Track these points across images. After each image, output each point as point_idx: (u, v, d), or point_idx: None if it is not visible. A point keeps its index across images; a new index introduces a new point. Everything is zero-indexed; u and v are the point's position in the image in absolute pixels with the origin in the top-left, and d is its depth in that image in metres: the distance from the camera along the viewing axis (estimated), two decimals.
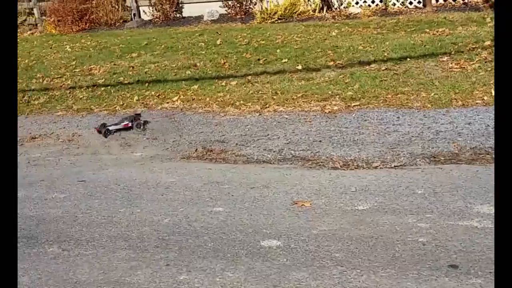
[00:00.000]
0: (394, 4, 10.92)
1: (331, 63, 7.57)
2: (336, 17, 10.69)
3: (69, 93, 7.97)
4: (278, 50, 8.48)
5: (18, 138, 6.58)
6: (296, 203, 4.07)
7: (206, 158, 5.30)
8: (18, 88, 8.56)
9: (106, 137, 6.10)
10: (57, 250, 3.67)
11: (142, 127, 6.20)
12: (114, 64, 9.09)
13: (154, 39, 10.34)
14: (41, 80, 8.80)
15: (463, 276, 2.94)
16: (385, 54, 7.59)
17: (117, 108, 7.07)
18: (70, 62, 9.60)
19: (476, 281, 2.87)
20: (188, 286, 3.11)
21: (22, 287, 3.23)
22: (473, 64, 6.77)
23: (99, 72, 8.80)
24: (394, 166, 4.64)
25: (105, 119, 6.56)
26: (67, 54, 10.31)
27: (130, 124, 6.21)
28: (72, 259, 3.53)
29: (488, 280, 2.87)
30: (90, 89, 7.96)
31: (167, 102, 6.98)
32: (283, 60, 7.98)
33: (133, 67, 8.71)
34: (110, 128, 6.18)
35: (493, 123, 5.13)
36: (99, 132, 6.15)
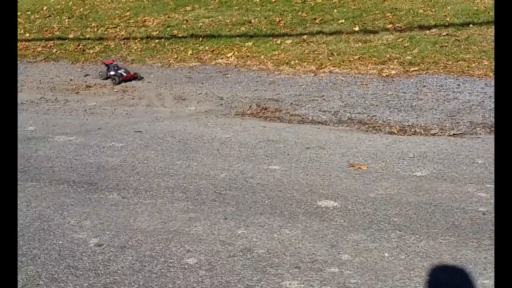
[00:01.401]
0: None
1: (390, 25, 7.42)
2: None
3: (123, 43, 8.03)
4: (335, 10, 8.35)
5: (74, 86, 6.69)
6: (353, 166, 4.05)
7: (261, 116, 5.30)
8: (73, 36, 8.67)
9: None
10: (117, 197, 3.74)
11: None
12: (168, 17, 9.09)
13: None
14: (95, 30, 8.88)
15: None
16: (447, 19, 7.40)
17: (171, 61, 7.11)
18: (124, 13, 9.64)
19: None
20: (247, 240, 3.14)
21: (84, 230, 3.32)
22: None
23: (153, 24, 8.83)
24: (453, 134, 4.56)
25: (159, 71, 6.62)
26: (121, 4, 10.35)
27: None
28: (132, 207, 3.60)
29: None
30: (144, 40, 8.01)
31: (221, 58, 6.98)
32: (340, 21, 7.86)
33: (187, 21, 8.70)
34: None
35: None
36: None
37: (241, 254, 3.02)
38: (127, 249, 3.11)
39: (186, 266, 2.91)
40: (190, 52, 7.31)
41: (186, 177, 4.02)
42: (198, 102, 5.77)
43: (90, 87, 6.61)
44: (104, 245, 3.16)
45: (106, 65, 6.75)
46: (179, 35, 8.05)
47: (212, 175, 4.04)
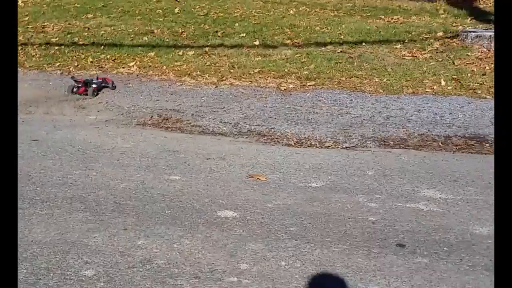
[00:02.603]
0: None
1: (288, 41, 7.67)
2: None
3: (21, 49, 7.79)
4: (236, 24, 8.51)
5: None
6: (252, 177, 4.17)
7: (162, 126, 5.33)
8: None
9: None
10: None
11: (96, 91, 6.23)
12: (69, 24, 8.91)
13: (111, 2, 10.17)
14: None
15: (410, 255, 3.11)
16: (341, 37, 7.74)
17: (71, 69, 6.98)
18: (22, 18, 9.34)
19: (422, 261, 3.05)
20: (147, 251, 3.17)
21: None
22: (425, 53, 7.00)
23: (52, 30, 8.62)
24: (346, 147, 4.80)
25: (58, 79, 6.48)
26: (19, 9, 10.00)
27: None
28: (27, 218, 3.52)
29: (433, 260, 3.05)
30: (43, 47, 7.80)
31: (123, 67, 6.94)
32: (241, 34, 8.03)
33: (88, 28, 8.57)
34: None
35: (441, 112, 5.36)
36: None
37: (141, 265, 3.04)
38: (21, 261, 3.05)
39: (83, 278, 2.90)
40: (90, 60, 7.21)
41: (85, 187, 3.99)
42: (98, 111, 5.71)
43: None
44: None
45: (84, 82, 6.25)
46: (80, 43, 7.91)
47: (112, 185, 4.03)
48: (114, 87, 6.29)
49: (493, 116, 5.22)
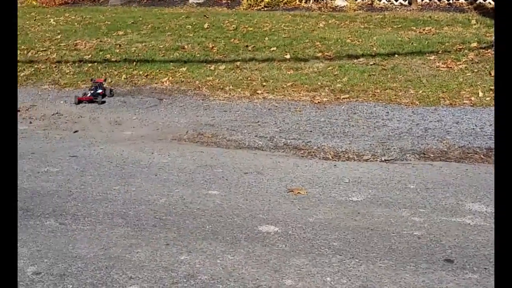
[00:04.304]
0: (380, 0, 11.03)
1: (319, 54, 7.64)
2: (322, 8, 10.77)
3: (55, 67, 7.88)
4: (266, 38, 8.52)
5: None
6: (292, 191, 4.13)
7: (198, 141, 5.32)
8: None
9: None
10: (54, 223, 3.66)
11: (111, 93, 6.66)
12: (100, 41, 9.01)
13: (140, 18, 10.28)
14: (25, 52, 8.67)
15: (459, 270, 3.03)
16: (373, 49, 7.69)
17: (104, 86, 7.02)
18: (55, 36, 9.47)
19: (472, 276, 2.97)
20: (190, 266, 3.15)
21: (21, 258, 3.23)
22: (460, 64, 6.91)
23: (85, 47, 8.72)
24: (385, 160, 4.73)
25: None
26: (52, 27, 10.17)
27: (103, 92, 6.61)
28: (70, 233, 3.53)
29: (483, 275, 2.97)
30: (76, 64, 7.89)
31: (156, 83, 6.97)
32: (272, 48, 8.02)
33: (119, 45, 8.65)
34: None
35: (481, 124, 5.27)
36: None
37: (185, 280, 3.02)
38: (66, 277, 3.05)
39: None
40: (124, 76, 7.26)
41: (125, 202, 3.99)
42: (133, 127, 5.73)
43: (19, 111, 6.43)
44: (43, 273, 3.09)
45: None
46: (112, 59, 7.98)
47: (151, 200, 4.02)
48: (112, 95, 6.66)
49: None
